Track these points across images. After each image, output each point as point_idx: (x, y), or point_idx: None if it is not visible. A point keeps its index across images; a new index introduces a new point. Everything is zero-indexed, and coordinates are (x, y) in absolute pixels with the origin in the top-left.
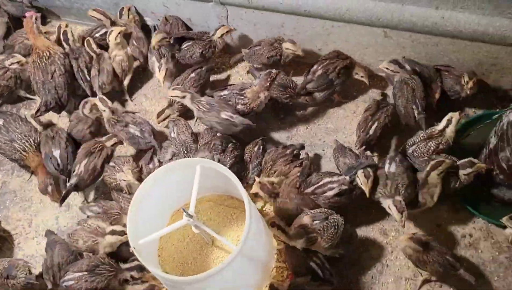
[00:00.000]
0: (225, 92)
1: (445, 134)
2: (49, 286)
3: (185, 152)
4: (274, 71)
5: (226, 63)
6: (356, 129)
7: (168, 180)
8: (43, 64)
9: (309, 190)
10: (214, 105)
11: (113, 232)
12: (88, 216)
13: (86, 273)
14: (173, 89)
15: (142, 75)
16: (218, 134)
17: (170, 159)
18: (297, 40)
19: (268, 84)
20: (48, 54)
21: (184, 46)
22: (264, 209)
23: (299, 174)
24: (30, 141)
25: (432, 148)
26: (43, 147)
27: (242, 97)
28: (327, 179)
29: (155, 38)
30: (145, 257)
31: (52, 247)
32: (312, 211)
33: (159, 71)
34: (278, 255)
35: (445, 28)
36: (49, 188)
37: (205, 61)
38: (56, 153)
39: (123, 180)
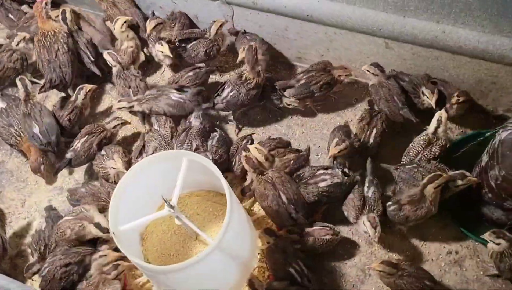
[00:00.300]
0: (227, 90)
1: (439, 135)
2: (34, 258)
3: (166, 146)
4: (252, 44)
5: (229, 62)
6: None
7: (155, 171)
8: (48, 42)
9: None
10: (160, 90)
11: (97, 226)
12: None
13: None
14: (118, 101)
15: (146, 67)
16: (194, 133)
17: (152, 153)
18: (299, 44)
19: (255, 57)
20: (52, 33)
21: (189, 45)
22: (252, 209)
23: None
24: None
25: (437, 152)
26: (23, 127)
27: (246, 82)
28: (321, 171)
29: (149, 26)
30: (125, 244)
31: (54, 220)
32: None
33: (162, 45)
34: (261, 255)
35: (446, 43)
36: (42, 167)
37: (210, 60)
38: (36, 130)
39: (113, 167)
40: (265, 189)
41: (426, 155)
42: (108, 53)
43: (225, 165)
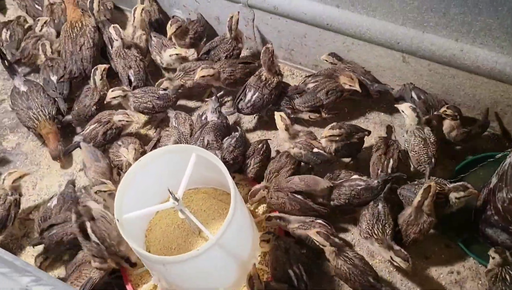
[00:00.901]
0: (250, 94)
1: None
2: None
3: (184, 144)
4: (269, 46)
5: None
6: (371, 167)
7: (164, 163)
8: (74, 35)
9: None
10: (147, 89)
11: (98, 192)
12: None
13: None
14: (112, 91)
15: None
16: (208, 128)
17: None
18: (317, 52)
19: (271, 59)
20: (80, 25)
21: (211, 52)
22: (256, 210)
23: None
24: (45, 112)
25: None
26: (41, 73)
27: (268, 82)
28: (356, 176)
29: (170, 30)
30: (128, 232)
31: (66, 200)
32: None
33: (170, 25)
34: (262, 257)
35: (463, 62)
36: (61, 155)
37: None
38: (53, 78)
39: (124, 156)
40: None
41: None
42: (113, 26)
43: (238, 166)
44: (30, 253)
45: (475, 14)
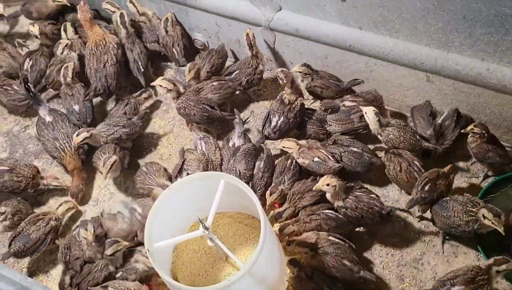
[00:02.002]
0: (275, 119)
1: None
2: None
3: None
4: (284, 70)
5: (267, 86)
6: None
7: (191, 190)
8: (98, 52)
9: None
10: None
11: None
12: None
13: None
14: (77, 135)
15: None
16: (239, 157)
17: None
18: (339, 72)
19: (291, 82)
20: (103, 43)
21: (232, 75)
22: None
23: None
24: (71, 144)
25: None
26: (63, 103)
27: (291, 105)
28: (374, 195)
29: (189, 75)
30: (158, 260)
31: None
32: None
33: (188, 71)
34: (289, 282)
35: (489, 81)
36: (80, 195)
37: (252, 87)
38: (76, 107)
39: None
40: None
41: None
42: (107, 2)
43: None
44: (56, 279)
45: (502, 34)
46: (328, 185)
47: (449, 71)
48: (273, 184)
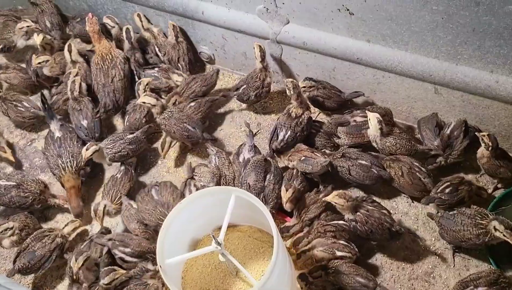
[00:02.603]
0: (282, 133)
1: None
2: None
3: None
4: (294, 81)
5: (274, 98)
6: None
7: (201, 205)
8: (105, 67)
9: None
10: (114, 137)
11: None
12: None
13: None
14: (86, 150)
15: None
16: (248, 170)
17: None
18: (345, 85)
19: (298, 94)
20: (110, 57)
21: (240, 90)
22: (291, 248)
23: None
24: (74, 163)
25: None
26: (72, 118)
27: (299, 119)
28: (386, 211)
29: (168, 103)
30: (170, 278)
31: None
32: None
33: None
34: None
35: (499, 93)
36: (83, 211)
37: (260, 100)
38: (84, 122)
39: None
40: None
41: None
42: (107, 16)
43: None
44: None
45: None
46: (336, 203)
47: (458, 83)
48: (284, 183)
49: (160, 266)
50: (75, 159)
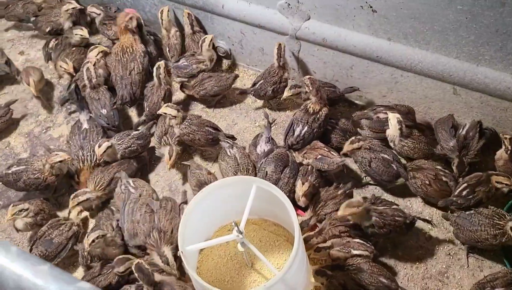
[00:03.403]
0: (299, 129)
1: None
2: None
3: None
4: (311, 77)
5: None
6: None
7: (220, 196)
8: (125, 59)
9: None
10: (122, 134)
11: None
12: None
13: None
14: (98, 146)
15: None
16: (270, 159)
17: None
18: (363, 83)
19: (316, 90)
20: (131, 50)
21: (257, 85)
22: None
23: None
24: (94, 158)
25: None
26: (90, 107)
27: (316, 115)
28: (396, 207)
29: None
30: (191, 264)
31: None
32: None
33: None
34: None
35: None
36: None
37: (277, 96)
38: (103, 111)
39: None
40: None
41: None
42: (92, 5)
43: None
44: None
45: None
46: (349, 214)
47: (478, 84)
48: (300, 177)
49: (182, 252)
50: (95, 155)
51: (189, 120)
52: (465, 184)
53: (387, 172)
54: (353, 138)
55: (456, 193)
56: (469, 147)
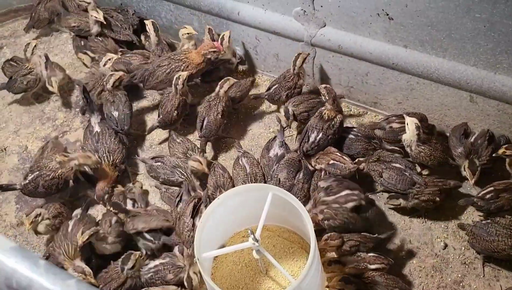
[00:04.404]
0: (313, 135)
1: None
2: None
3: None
4: (327, 86)
5: None
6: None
7: (234, 203)
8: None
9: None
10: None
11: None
12: None
13: None
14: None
15: None
16: (282, 165)
17: None
18: (378, 90)
19: (333, 98)
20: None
21: (271, 89)
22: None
23: None
24: (110, 158)
25: None
26: (104, 108)
27: (331, 122)
28: (347, 191)
29: None
30: (207, 271)
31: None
32: None
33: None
34: None
35: None
36: (106, 196)
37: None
38: (115, 113)
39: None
40: None
41: None
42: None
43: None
44: None
45: None
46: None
47: (495, 92)
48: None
49: (198, 259)
50: (111, 155)
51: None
52: (492, 188)
53: (401, 181)
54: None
55: (480, 194)
56: (479, 152)
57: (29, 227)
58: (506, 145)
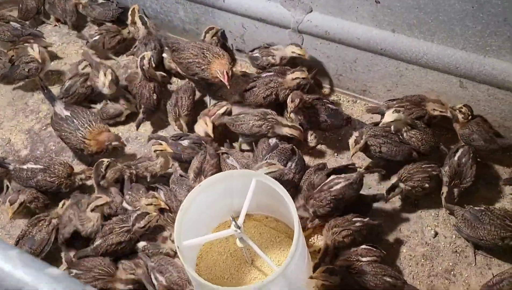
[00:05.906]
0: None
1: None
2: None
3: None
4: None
5: None
6: None
7: (218, 190)
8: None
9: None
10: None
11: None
12: None
13: None
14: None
15: None
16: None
17: None
18: (367, 77)
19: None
20: None
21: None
22: (310, 240)
23: None
24: (94, 124)
25: None
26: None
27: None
28: (332, 177)
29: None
30: (187, 259)
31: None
32: None
33: None
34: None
35: None
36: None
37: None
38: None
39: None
40: None
41: None
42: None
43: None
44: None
45: None
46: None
47: (485, 76)
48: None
49: (178, 247)
50: (93, 122)
51: None
52: None
53: (400, 152)
54: (354, 137)
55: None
56: (463, 174)
57: (12, 216)
58: (464, 104)
